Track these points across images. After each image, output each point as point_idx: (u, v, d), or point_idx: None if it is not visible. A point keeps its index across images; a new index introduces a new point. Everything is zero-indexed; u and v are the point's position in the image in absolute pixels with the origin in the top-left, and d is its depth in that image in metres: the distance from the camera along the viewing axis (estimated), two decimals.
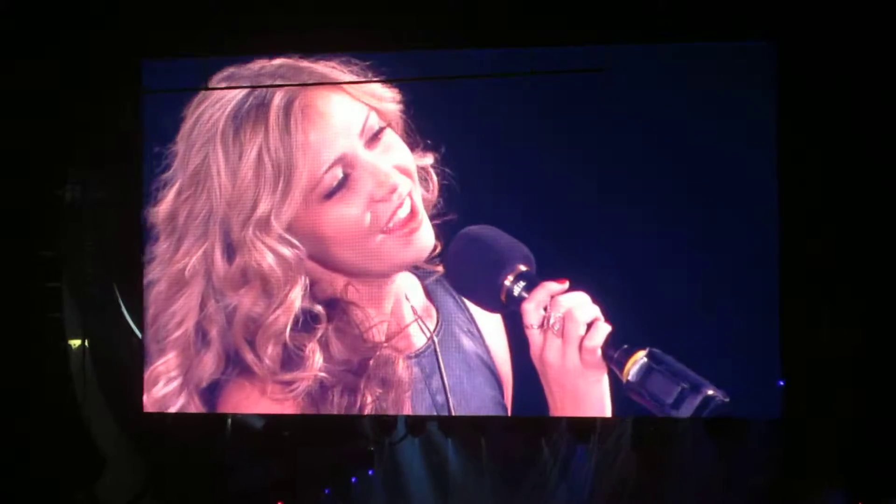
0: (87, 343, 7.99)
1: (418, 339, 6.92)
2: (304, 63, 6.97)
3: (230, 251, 6.82)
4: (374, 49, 7.04)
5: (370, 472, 8.28)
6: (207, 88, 7.05)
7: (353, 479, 8.29)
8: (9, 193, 7.68)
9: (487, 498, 8.13)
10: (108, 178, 7.94)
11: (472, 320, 6.92)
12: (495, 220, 6.75)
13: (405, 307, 6.92)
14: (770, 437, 7.52)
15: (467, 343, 6.88)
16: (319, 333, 6.82)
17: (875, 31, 6.97)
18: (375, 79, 6.94)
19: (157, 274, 7.15)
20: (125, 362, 7.82)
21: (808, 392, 7.19)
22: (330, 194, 6.65)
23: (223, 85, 6.91)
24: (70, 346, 7.93)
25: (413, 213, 6.65)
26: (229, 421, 7.89)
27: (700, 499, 7.68)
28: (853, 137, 7.10)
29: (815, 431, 7.31)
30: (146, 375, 7.36)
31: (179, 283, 6.95)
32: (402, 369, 6.92)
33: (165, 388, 7.19)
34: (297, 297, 6.74)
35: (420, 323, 6.89)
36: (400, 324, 6.92)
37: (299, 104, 6.66)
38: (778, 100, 7.03)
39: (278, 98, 6.68)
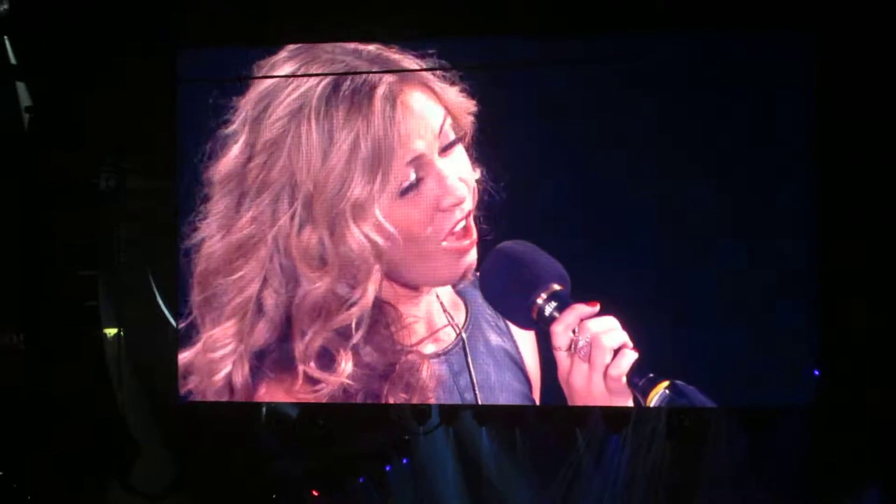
0: (122, 332, 8.00)
1: (447, 336, 6.90)
2: (389, 53, 6.86)
3: (309, 228, 6.78)
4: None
5: (405, 461, 8.32)
6: (244, 78, 7.04)
7: (388, 468, 8.34)
8: (44, 182, 7.69)
9: (521, 486, 8.16)
10: (142, 166, 7.93)
11: (499, 315, 6.90)
12: (532, 237, 6.70)
13: (435, 305, 6.90)
14: (804, 428, 7.52)
15: (495, 338, 6.84)
16: (355, 339, 6.81)
17: None
18: (439, 66, 6.85)
19: (211, 232, 7.04)
20: (161, 351, 7.82)
21: (843, 382, 7.16)
22: (403, 192, 6.63)
23: (284, 67, 6.83)
24: (105, 334, 7.94)
25: (468, 231, 6.63)
26: (264, 410, 7.91)
27: (734, 490, 7.71)
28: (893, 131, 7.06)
29: (850, 422, 7.29)
30: (203, 338, 7.11)
31: (242, 249, 6.84)
32: (427, 374, 6.90)
33: (219, 352, 7.02)
34: (372, 294, 6.72)
35: (450, 321, 6.87)
36: (430, 323, 6.90)
37: (401, 99, 6.58)
38: (816, 93, 6.97)
39: (383, 88, 6.59)
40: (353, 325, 6.73)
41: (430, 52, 6.86)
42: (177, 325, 7.53)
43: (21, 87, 7.74)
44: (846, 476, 7.38)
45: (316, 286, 6.70)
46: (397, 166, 6.55)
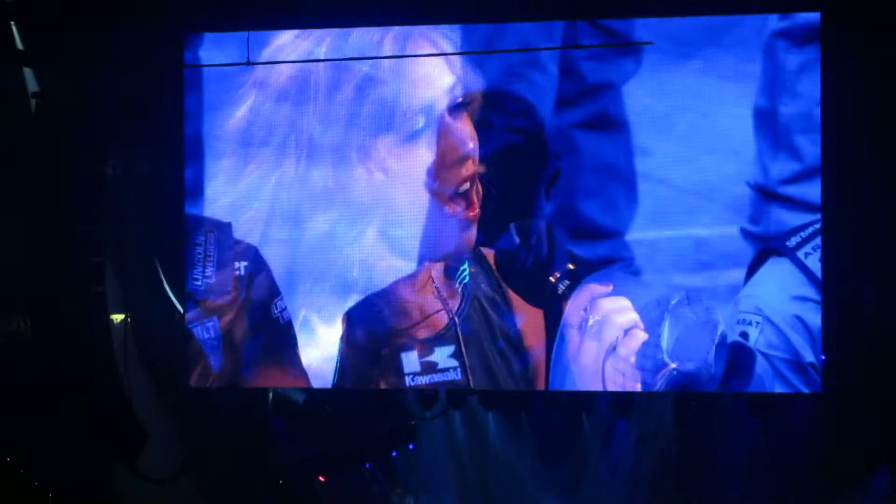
0: (129, 318, 8.02)
1: (440, 321, 6.93)
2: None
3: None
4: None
5: (411, 447, 8.33)
6: (251, 63, 7.12)
7: (394, 453, 8.35)
8: (52, 169, 7.71)
9: (527, 471, 8.15)
10: (150, 153, 7.95)
11: (503, 295, 6.91)
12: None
13: (430, 289, 6.93)
14: (812, 413, 7.50)
15: (493, 321, 6.89)
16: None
17: None
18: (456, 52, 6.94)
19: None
20: (167, 337, 7.85)
21: (849, 368, 7.14)
22: (409, 138, 6.70)
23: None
24: (112, 320, 7.96)
25: (472, 203, 6.70)
26: (271, 395, 7.93)
27: (741, 475, 7.69)
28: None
29: (857, 407, 7.27)
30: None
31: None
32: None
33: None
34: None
35: (444, 306, 6.90)
36: (423, 308, 6.94)
37: (409, 48, 6.78)
38: (822, 72, 6.93)
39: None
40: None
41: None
42: (183, 310, 7.59)
43: (28, 72, 7.76)
44: (854, 458, 7.36)
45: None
46: (403, 112, 6.64)
